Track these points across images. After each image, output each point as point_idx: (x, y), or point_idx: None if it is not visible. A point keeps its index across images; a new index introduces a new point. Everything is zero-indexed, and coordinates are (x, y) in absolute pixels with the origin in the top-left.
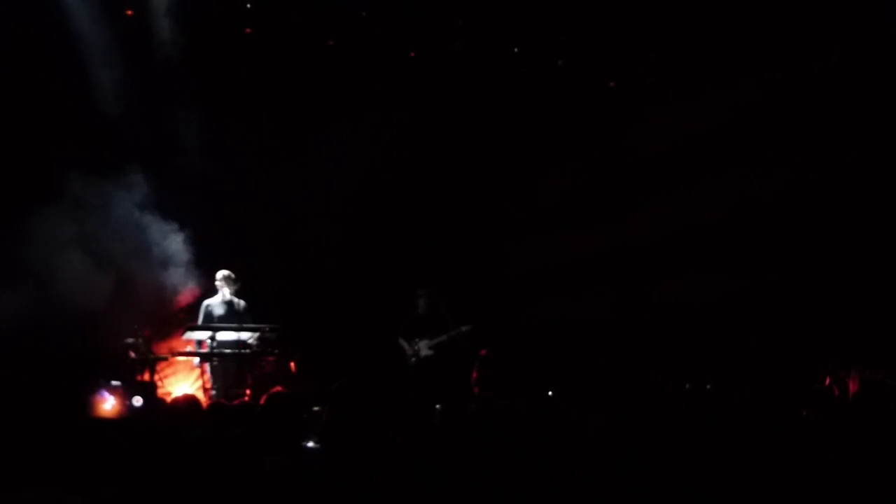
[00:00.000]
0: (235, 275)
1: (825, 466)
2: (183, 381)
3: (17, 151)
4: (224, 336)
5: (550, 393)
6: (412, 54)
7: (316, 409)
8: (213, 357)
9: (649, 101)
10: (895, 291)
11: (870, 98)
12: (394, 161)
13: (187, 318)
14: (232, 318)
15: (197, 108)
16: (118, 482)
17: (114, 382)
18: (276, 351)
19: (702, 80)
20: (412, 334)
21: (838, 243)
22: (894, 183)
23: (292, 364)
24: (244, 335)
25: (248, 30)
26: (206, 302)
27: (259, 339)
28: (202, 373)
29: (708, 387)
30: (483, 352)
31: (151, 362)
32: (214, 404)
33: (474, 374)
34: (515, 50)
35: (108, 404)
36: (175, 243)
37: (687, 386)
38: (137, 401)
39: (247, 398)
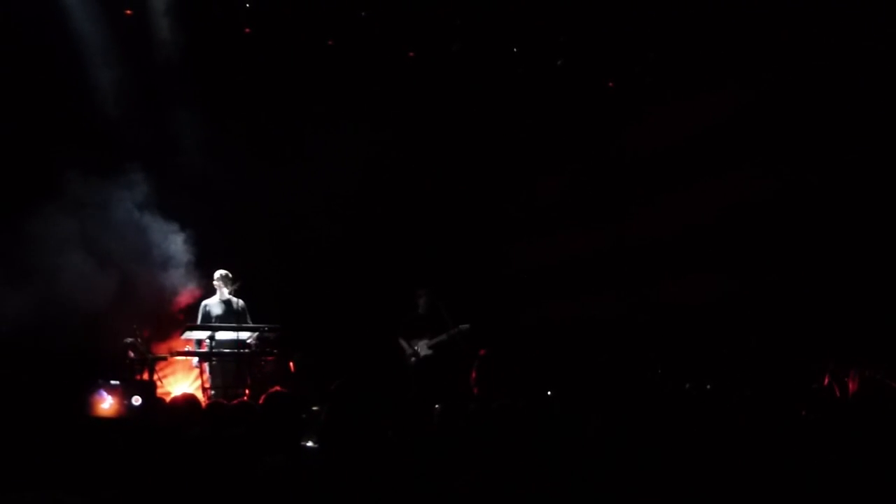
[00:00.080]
0: (233, 274)
1: (825, 466)
2: (182, 381)
3: (16, 151)
4: (223, 336)
5: (549, 393)
6: (411, 54)
7: (315, 408)
8: (212, 357)
9: (648, 101)
10: (895, 291)
11: (869, 98)
12: (393, 161)
13: (187, 318)
14: (230, 317)
15: (196, 107)
16: (118, 482)
17: (113, 382)
18: (276, 351)
19: (701, 80)
20: (412, 334)
21: (838, 243)
22: (894, 183)
23: (291, 364)
24: (243, 335)
25: (247, 30)
26: (205, 302)
27: (258, 338)
28: (201, 372)
29: (708, 387)
30: (482, 352)
31: (151, 362)
32: (213, 404)
33: (473, 374)
34: (514, 50)
35: (107, 404)
36: (175, 243)
37: (687, 386)
38: (136, 400)
39: (246, 398)
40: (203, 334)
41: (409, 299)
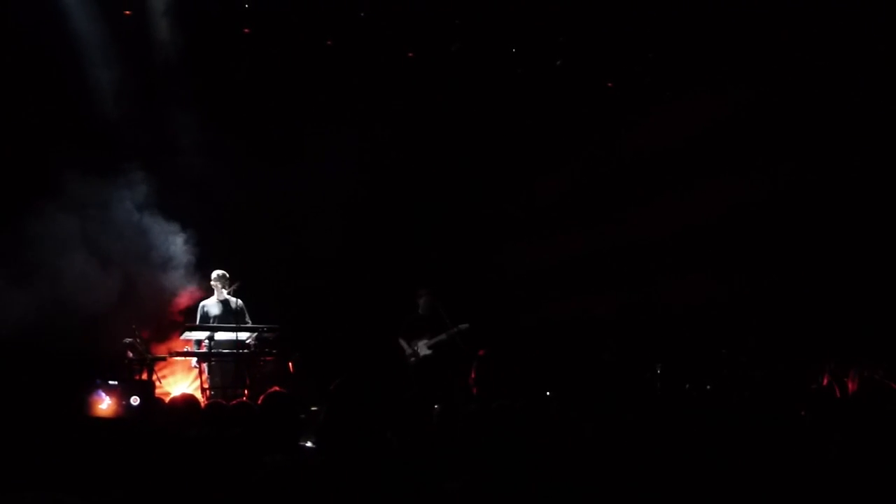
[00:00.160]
0: (232, 274)
1: (824, 466)
2: (181, 381)
3: (16, 152)
4: (222, 336)
5: (548, 393)
6: (410, 54)
7: (314, 409)
8: (211, 357)
9: (648, 102)
10: (895, 291)
11: (869, 98)
12: (392, 161)
13: (186, 318)
14: (228, 317)
15: (196, 107)
16: (117, 482)
17: (111, 382)
18: (274, 351)
19: (701, 80)
20: (412, 335)
21: (838, 243)
22: (894, 183)
23: (290, 364)
24: (242, 335)
25: (246, 30)
26: (203, 303)
27: (257, 339)
28: (200, 373)
29: (707, 387)
30: (481, 352)
31: (149, 362)
32: (212, 404)
33: (472, 375)
34: (513, 50)
35: (105, 404)
36: (175, 244)
37: (686, 386)
38: (135, 400)
39: (245, 398)
40: (202, 335)
41: (408, 300)
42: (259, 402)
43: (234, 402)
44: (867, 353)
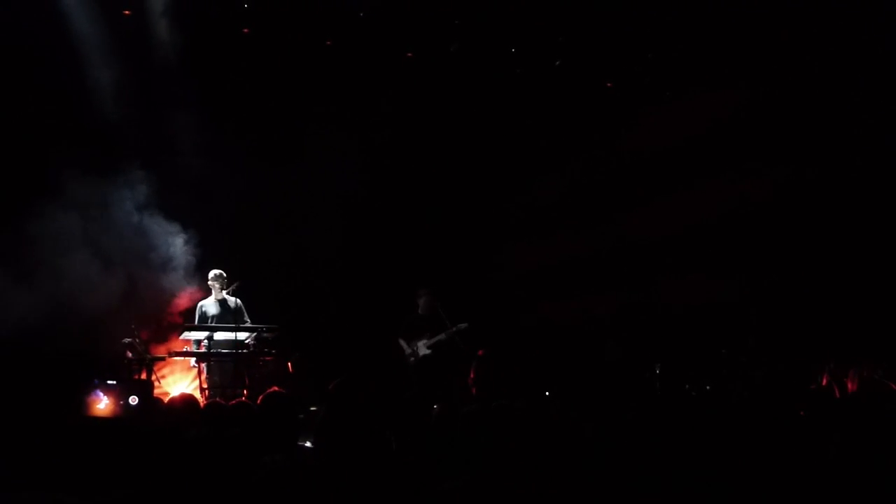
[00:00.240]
0: (231, 274)
1: (823, 466)
2: (181, 381)
3: (16, 152)
4: (221, 336)
5: (547, 393)
6: (410, 55)
7: (313, 409)
8: (210, 357)
9: (647, 102)
10: (894, 291)
11: (869, 98)
12: (392, 161)
13: (185, 319)
14: (227, 316)
15: (196, 108)
16: (116, 482)
17: (109, 382)
18: (274, 351)
19: (700, 80)
20: (412, 335)
21: (838, 243)
22: (893, 183)
23: (289, 364)
24: (241, 335)
25: (245, 30)
26: (201, 303)
27: (256, 339)
28: (199, 373)
29: (707, 387)
30: (480, 352)
31: (148, 362)
32: (211, 404)
33: (472, 375)
34: (513, 50)
35: (103, 404)
36: (175, 244)
37: (686, 386)
38: (133, 400)
39: (244, 398)
40: (201, 335)
41: (408, 300)
42: (258, 402)
43: (233, 402)
44: (867, 353)
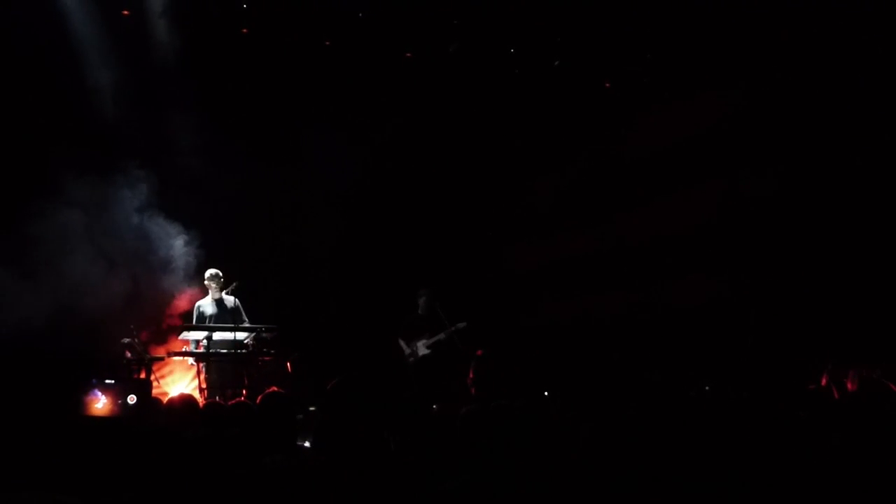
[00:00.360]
0: (231, 274)
1: (822, 467)
2: (180, 381)
3: (16, 152)
4: (220, 336)
5: (546, 393)
6: (408, 55)
7: (312, 409)
8: (209, 357)
9: (647, 102)
10: (894, 291)
11: (869, 98)
12: (391, 161)
13: (184, 319)
14: (224, 316)
15: (195, 108)
16: (115, 482)
17: (108, 381)
18: (273, 351)
19: (700, 79)
20: (412, 335)
21: (837, 243)
22: (893, 183)
23: (288, 364)
24: (240, 335)
25: (244, 30)
26: (198, 303)
27: (255, 339)
28: (198, 373)
29: (707, 388)
30: (479, 352)
31: (147, 362)
32: (210, 404)
33: (471, 375)
34: (512, 50)
35: (101, 403)
36: (175, 245)
37: (686, 386)
38: (132, 399)
39: (243, 398)
40: (200, 335)
41: (408, 300)
42: (257, 402)
43: (232, 402)
44: (866, 353)
